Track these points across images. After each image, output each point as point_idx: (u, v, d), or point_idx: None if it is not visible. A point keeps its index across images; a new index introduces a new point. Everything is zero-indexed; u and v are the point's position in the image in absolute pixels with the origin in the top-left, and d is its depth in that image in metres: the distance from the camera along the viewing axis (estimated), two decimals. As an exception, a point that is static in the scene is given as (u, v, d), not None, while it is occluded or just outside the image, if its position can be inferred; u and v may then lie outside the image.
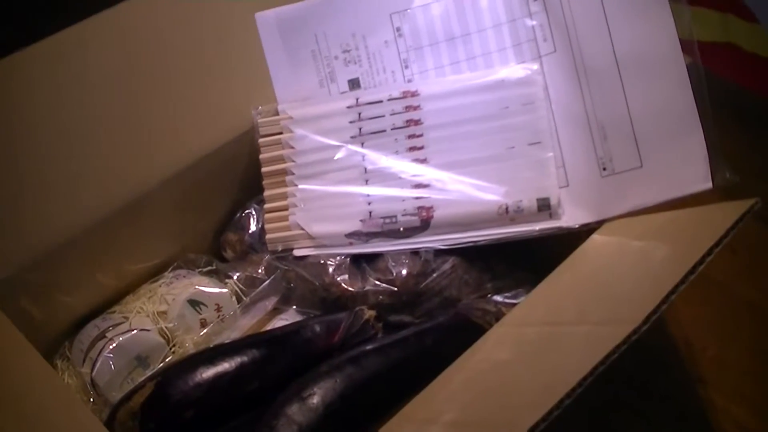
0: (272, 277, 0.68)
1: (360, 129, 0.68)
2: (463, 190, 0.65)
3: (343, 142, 0.68)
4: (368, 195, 0.67)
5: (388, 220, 0.66)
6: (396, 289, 0.64)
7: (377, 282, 0.65)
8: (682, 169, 0.61)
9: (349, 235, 0.67)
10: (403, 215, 0.66)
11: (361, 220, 0.66)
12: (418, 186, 0.66)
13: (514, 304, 0.66)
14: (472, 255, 0.66)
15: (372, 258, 0.67)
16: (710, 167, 0.60)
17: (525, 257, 0.67)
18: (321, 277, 0.65)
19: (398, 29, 0.69)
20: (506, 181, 0.65)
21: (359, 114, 0.68)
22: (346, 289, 0.65)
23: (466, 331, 0.61)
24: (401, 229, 0.66)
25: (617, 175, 0.63)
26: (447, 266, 0.66)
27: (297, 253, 0.68)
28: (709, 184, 0.60)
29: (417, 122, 0.67)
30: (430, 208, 0.65)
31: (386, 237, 0.66)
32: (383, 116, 0.68)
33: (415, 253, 0.66)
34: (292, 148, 0.69)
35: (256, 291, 0.68)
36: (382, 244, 0.66)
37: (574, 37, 0.64)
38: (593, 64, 0.63)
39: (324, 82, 0.70)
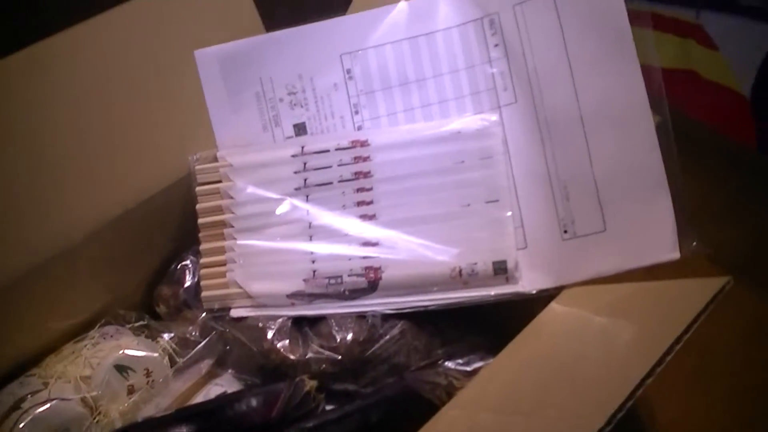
0: (208, 339, 0.65)
1: (305, 180, 0.65)
2: (414, 249, 0.63)
3: (286, 194, 0.66)
4: (312, 252, 0.64)
5: (333, 281, 0.63)
6: (340, 357, 0.62)
7: (320, 349, 0.62)
8: (648, 237, 0.59)
9: (291, 295, 0.64)
10: (349, 276, 0.63)
11: (304, 280, 0.64)
12: (366, 244, 0.64)
13: (467, 372, 0.64)
14: (421, 318, 0.64)
15: (315, 321, 0.64)
16: (678, 235, 0.57)
17: (477, 320, 0.65)
18: (259, 343, 0.63)
19: (348, 71, 0.66)
20: (461, 241, 0.62)
21: (304, 164, 0.66)
22: (287, 357, 0.62)
23: (414, 407, 0.60)
24: (347, 290, 0.63)
25: (579, 238, 0.61)
26: (395, 331, 0.63)
27: (234, 313, 0.65)
28: (676, 255, 0.59)
29: (366, 174, 0.64)
30: (378, 269, 0.63)
31: (331, 298, 0.64)
32: (330, 167, 0.65)
33: (361, 316, 0.64)
34: (232, 198, 0.66)
35: (190, 354, 0.65)
36: (327, 306, 0.64)
37: (537, 87, 0.62)
38: (556, 118, 0.61)
39: (268, 126, 0.68)
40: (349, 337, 0.63)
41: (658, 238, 0.59)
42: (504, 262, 0.62)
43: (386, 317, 0.64)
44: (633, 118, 0.60)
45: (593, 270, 0.60)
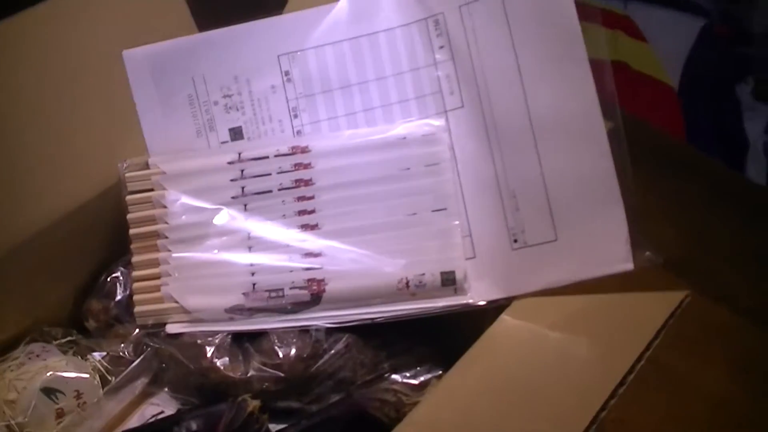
0: (142, 357, 0.62)
1: (243, 188, 0.63)
2: (359, 260, 0.61)
3: (223, 204, 0.63)
4: (252, 264, 0.62)
5: (274, 294, 0.61)
6: (283, 375, 0.60)
7: (262, 366, 0.60)
8: (600, 247, 0.59)
9: (230, 309, 0.62)
10: (291, 288, 0.61)
11: (243, 293, 0.61)
12: (309, 255, 0.61)
13: (415, 386, 0.63)
14: (367, 331, 0.62)
15: (255, 336, 0.62)
16: (631, 245, 0.57)
17: (424, 330, 0.64)
18: (197, 361, 0.60)
19: (287, 73, 0.63)
20: (407, 251, 0.61)
21: (242, 171, 0.63)
22: (227, 375, 0.60)
23: (362, 426, 0.58)
24: (289, 304, 0.61)
25: (530, 248, 0.60)
26: (340, 346, 0.61)
27: (170, 329, 0.62)
28: (630, 266, 0.58)
29: (307, 182, 0.62)
30: (321, 281, 0.61)
31: (272, 312, 0.62)
32: (269, 174, 0.63)
33: (304, 331, 0.62)
34: (165, 207, 0.63)
35: (124, 373, 0.62)
36: (268, 321, 0.62)
37: (485, 91, 0.60)
38: (505, 124, 0.60)
39: (202, 131, 0.64)
40: (293, 353, 0.61)
41: (611, 249, 0.58)
42: (452, 272, 0.60)
43: (330, 331, 0.62)
44: (584, 125, 0.59)
45: (544, 281, 0.59)
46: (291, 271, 0.61)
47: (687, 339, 0.68)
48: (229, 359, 0.61)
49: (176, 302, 0.62)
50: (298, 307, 0.62)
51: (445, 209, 0.61)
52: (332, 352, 0.62)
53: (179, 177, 0.64)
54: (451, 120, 0.62)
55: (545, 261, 0.60)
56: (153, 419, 0.62)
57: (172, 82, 0.64)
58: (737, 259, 0.88)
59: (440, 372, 0.64)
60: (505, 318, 0.58)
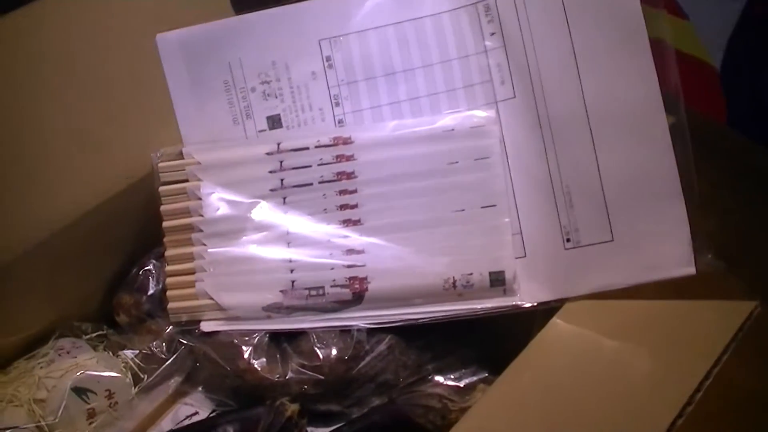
0: (175, 355, 0.60)
1: (282, 181, 0.60)
2: (403, 258, 0.59)
3: (260, 196, 0.60)
4: (291, 261, 0.59)
5: (314, 292, 0.59)
6: (323, 377, 0.57)
7: (301, 369, 0.57)
8: (660, 248, 0.56)
9: (268, 307, 0.59)
10: (332, 286, 0.58)
11: (281, 291, 0.59)
12: (351, 252, 0.59)
13: (460, 389, 0.61)
14: (409, 332, 0.60)
15: (294, 336, 0.60)
16: (693, 248, 0.54)
17: (469, 332, 0.62)
18: (234, 362, 0.58)
19: (328, 59, 0.60)
20: (454, 249, 0.58)
21: (281, 162, 0.60)
22: (265, 378, 0.58)
23: None
24: (330, 302, 0.58)
25: (583, 248, 0.57)
26: (383, 347, 0.59)
27: (205, 327, 0.60)
28: (692, 269, 0.55)
29: (350, 175, 0.59)
30: (364, 279, 0.58)
31: (311, 311, 0.59)
32: (310, 166, 0.60)
33: (345, 331, 0.59)
34: (199, 199, 0.61)
35: (157, 372, 0.60)
36: (307, 320, 0.59)
37: (538, 81, 0.57)
38: (559, 116, 0.57)
39: (239, 118, 0.62)
40: (333, 354, 0.58)
41: (672, 251, 0.56)
42: (501, 272, 0.57)
43: (372, 331, 0.60)
44: (644, 118, 0.56)
45: (598, 283, 0.57)
46: (332, 269, 0.59)
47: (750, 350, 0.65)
48: (267, 360, 0.59)
49: (211, 299, 0.60)
50: (340, 306, 0.59)
51: (494, 206, 0.58)
52: (374, 353, 0.59)
53: (215, 168, 0.61)
54: (501, 111, 0.59)
55: (600, 262, 0.57)
56: (187, 420, 0.60)
57: (208, 67, 0.62)
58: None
59: (486, 374, 0.62)
60: (557, 322, 0.56)
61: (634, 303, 0.54)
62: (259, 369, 0.58)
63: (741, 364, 0.50)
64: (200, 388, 0.62)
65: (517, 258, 0.58)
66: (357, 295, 0.58)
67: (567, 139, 0.57)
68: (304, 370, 0.58)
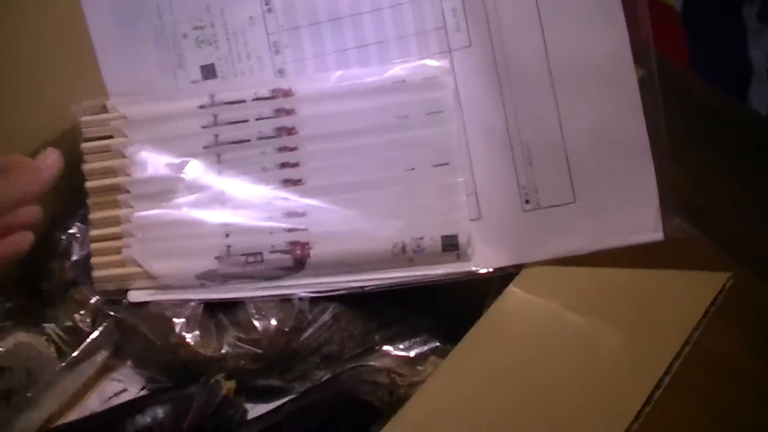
0: (101, 328, 0.55)
1: (216, 137, 0.55)
2: (349, 221, 0.54)
3: (193, 154, 0.55)
4: (226, 224, 0.55)
5: (251, 258, 0.54)
6: (262, 351, 0.53)
7: (238, 343, 0.53)
8: (625, 212, 0.52)
9: (201, 275, 0.55)
10: (271, 252, 0.54)
11: (216, 257, 0.54)
12: (291, 215, 0.54)
13: (410, 359, 0.57)
14: (356, 299, 0.56)
15: (230, 307, 0.56)
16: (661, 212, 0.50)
17: (420, 297, 0.58)
18: (165, 336, 0.54)
19: (267, 2, 0.55)
20: (404, 211, 0.54)
21: (215, 117, 0.55)
22: (198, 353, 0.54)
23: (353, 411, 0.53)
24: (269, 269, 0.54)
25: (543, 210, 0.53)
26: (327, 317, 0.55)
27: (133, 297, 0.55)
28: (659, 235, 0.52)
29: (291, 131, 0.54)
30: (306, 245, 0.53)
31: (249, 279, 0.54)
32: (247, 121, 0.55)
33: (286, 300, 0.55)
34: (126, 158, 0.55)
35: (82, 346, 0.55)
36: (245, 289, 0.55)
37: (496, 28, 0.53)
38: (519, 66, 0.53)
39: (169, 67, 0.56)
40: (273, 325, 0.54)
41: (638, 215, 0.52)
42: (455, 236, 0.53)
43: (315, 300, 0.56)
44: (612, 71, 0.52)
45: (559, 248, 0.53)
46: (271, 233, 0.54)
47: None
48: (201, 333, 0.54)
49: (140, 266, 0.55)
50: (280, 273, 0.55)
51: (447, 164, 0.54)
52: (317, 324, 0.55)
53: (143, 123, 0.56)
54: (456, 61, 0.54)
55: (561, 225, 0.53)
56: (115, 398, 0.55)
57: (134, 11, 0.56)
58: (740, 203, 0.80)
59: (437, 344, 0.58)
60: (513, 290, 0.52)
61: (597, 271, 0.51)
62: (193, 343, 0.54)
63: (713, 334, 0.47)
64: (129, 363, 0.58)
65: (471, 220, 0.54)
66: (298, 261, 0.54)
67: (527, 92, 0.53)
68: (241, 344, 0.54)
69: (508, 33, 0.53)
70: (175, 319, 0.54)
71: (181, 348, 0.54)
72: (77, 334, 0.57)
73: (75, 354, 0.56)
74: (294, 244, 0.54)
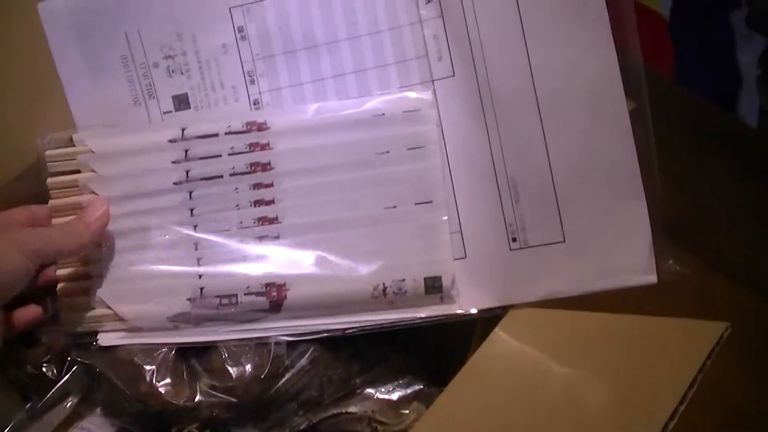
0: (69, 374, 0.54)
1: (187, 173, 0.52)
2: (326, 262, 0.52)
3: (163, 191, 0.53)
4: (198, 265, 0.52)
5: (225, 300, 0.51)
6: (236, 400, 0.51)
7: (212, 391, 0.51)
8: (618, 253, 0.50)
9: (174, 318, 0.52)
10: (246, 294, 0.51)
11: (189, 299, 0.52)
12: (267, 256, 0.51)
13: (393, 403, 0.55)
14: (335, 341, 0.53)
15: (203, 352, 0.53)
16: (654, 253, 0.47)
17: (402, 337, 0.55)
18: (134, 385, 0.51)
19: (240, 29, 0.52)
20: (384, 252, 0.52)
21: (186, 151, 0.52)
22: (170, 402, 0.51)
23: None
24: (244, 312, 0.51)
25: (531, 249, 0.51)
26: (305, 361, 0.53)
27: (103, 341, 0.53)
28: (652, 278, 0.49)
29: (265, 167, 0.52)
30: (282, 286, 0.51)
31: (224, 321, 0.52)
32: (219, 156, 0.52)
33: (262, 344, 0.53)
34: (93, 194, 0.52)
35: (49, 394, 0.54)
36: (219, 331, 0.53)
37: (480, 56, 0.50)
38: (504, 97, 0.50)
39: (140, 98, 0.54)
40: (248, 372, 0.52)
41: (630, 256, 0.50)
42: (438, 278, 0.51)
43: (293, 343, 0.53)
44: (601, 99, 0.49)
45: (547, 289, 0.51)
46: (246, 275, 0.52)
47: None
48: (172, 382, 0.52)
49: (109, 308, 0.52)
50: (256, 315, 0.52)
51: (430, 202, 0.52)
52: (295, 369, 0.53)
53: (110, 157, 0.53)
54: (438, 91, 0.52)
55: (549, 266, 0.51)
56: None
57: (101, 39, 0.53)
58: (731, 218, 0.77)
59: (421, 386, 0.56)
60: (499, 335, 0.49)
61: (587, 315, 0.48)
62: (164, 392, 0.51)
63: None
64: (99, 411, 0.55)
65: (456, 259, 0.52)
66: (274, 303, 0.51)
67: (513, 125, 0.50)
68: (214, 392, 0.51)
69: (493, 62, 0.50)
70: (145, 366, 0.52)
71: (152, 398, 0.51)
72: (45, 380, 0.54)
73: (43, 401, 0.54)
74: (270, 285, 0.51)
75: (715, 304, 0.60)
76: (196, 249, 0.53)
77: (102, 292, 0.53)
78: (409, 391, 0.55)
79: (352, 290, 0.51)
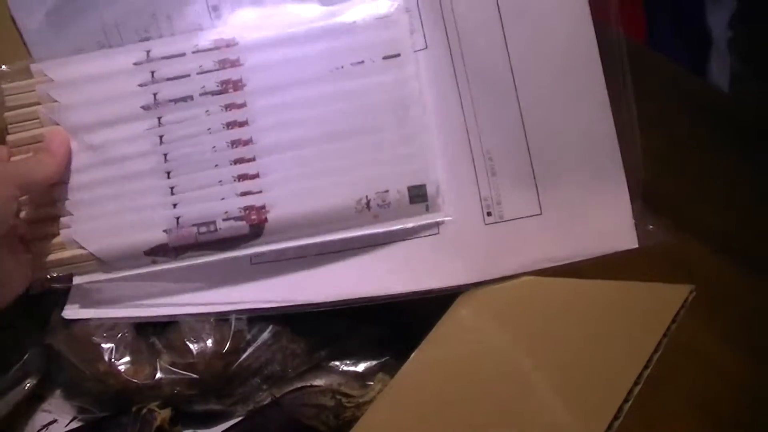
0: (28, 354, 0.52)
1: (155, 96, 0.50)
2: (306, 180, 0.51)
3: (130, 117, 0.51)
4: (173, 193, 0.50)
5: (203, 228, 0.49)
6: (198, 377, 0.50)
7: (172, 368, 0.50)
8: (596, 221, 0.49)
9: (151, 251, 0.50)
10: (224, 220, 0.49)
11: (165, 231, 0.49)
12: (244, 177, 0.50)
13: (358, 375, 0.54)
14: (298, 317, 0.51)
15: (163, 327, 0.51)
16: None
17: (368, 311, 0.53)
18: (93, 364, 0.49)
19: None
20: (365, 164, 0.50)
21: (152, 73, 0.50)
22: (130, 381, 0.49)
23: None
24: (224, 238, 0.49)
25: (506, 223, 0.50)
26: (266, 335, 0.52)
27: (78, 280, 0.51)
28: (633, 243, 0.49)
29: (237, 84, 0.50)
30: (262, 209, 0.49)
31: (204, 250, 0.49)
32: (188, 76, 0.50)
33: (223, 320, 0.51)
34: (57, 125, 0.50)
35: (7, 374, 0.52)
36: (202, 258, 0.50)
37: (453, 29, 0.50)
38: (479, 70, 0.50)
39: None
40: (209, 348, 0.50)
41: (610, 223, 0.49)
42: (422, 187, 0.50)
43: (254, 319, 0.51)
44: (578, 70, 0.48)
45: (523, 262, 0.49)
46: (223, 199, 0.50)
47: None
48: (132, 360, 0.50)
49: (82, 248, 0.50)
50: (236, 243, 0.50)
51: (408, 111, 0.49)
52: (257, 343, 0.51)
53: (72, 84, 0.51)
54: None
55: (526, 239, 0.50)
56: (43, 430, 0.52)
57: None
58: (704, 185, 0.77)
59: (386, 358, 0.54)
60: (461, 304, 0.49)
61: (549, 282, 0.48)
62: (123, 371, 0.50)
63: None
64: (59, 392, 0.53)
65: (428, 236, 0.50)
66: (255, 227, 0.49)
67: (488, 97, 0.49)
68: (175, 369, 0.50)
69: (467, 33, 0.49)
70: (103, 345, 0.50)
71: (111, 377, 0.50)
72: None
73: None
74: (249, 209, 0.50)
75: (691, 271, 0.59)
76: (169, 177, 0.50)
77: (73, 232, 0.50)
78: (374, 362, 0.54)
79: (335, 206, 0.50)
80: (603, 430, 0.33)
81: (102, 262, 0.50)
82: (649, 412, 0.50)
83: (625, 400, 0.35)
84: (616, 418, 0.34)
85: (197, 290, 0.50)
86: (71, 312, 0.50)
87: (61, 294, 0.51)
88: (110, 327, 0.50)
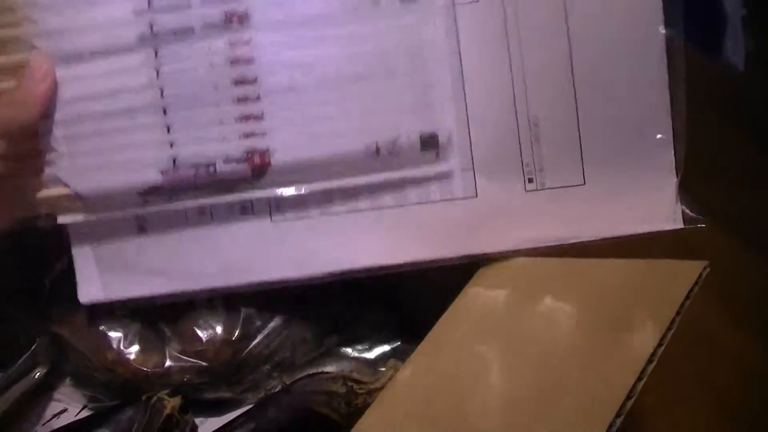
0: (35, 345, 0.52)
1: (151, 26, 0.47)
2: (313, 123, 0.48)
3: (124, 48, 0.47)
4: (169, 132, 0.47)
5: (202, 170, 0.47)
6: (207, 364, 0.50)
7: (182, 356, 0.50)
8: (641, 197, 0.48)
9: (145, 191, 0.47)
10: (225, 162, 0.47)
11: (161, 171, 0.46)
12: (247, 118, 0.47)
13: (370, 362, 0.53)
14: (307, 302, 0.52)
15: (173, 317, 0.51)
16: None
17: (379, 294, 0.54)
18: (101, 353, 0.50)
19: None
20: (377, 109, 0.48)
21: (149, 1, 0.46)
22: (139, 369, 0.50)
23: (309, 425, 0.49)
24: (223, 181, 0.46)
25: (547, 191, 0.49)
26: (276, 322, 0.52)
27: (62, 220, 0.48)
28: (678, 224, 0.48)
29: (242, 17, 0.47)
30: (265, 152, 0.47)
31: (201, 191, 0.47)
32: (188, 6, 0.46)
33: (233, 308, 0.51)
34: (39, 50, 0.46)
35: (16, 365, 0.51)
36: (197, 199, 0.48)
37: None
38: (533, 31, 0.48)
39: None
40: (218, 335, 0.51)
41: (655, 201, 0.48)
42: (434, 135, 0.48)
43: (263, 306, 0.52)
44: (640, 40, 0.47)
45: (563, 233, 0.49)
46: (223, 139, 0.47)
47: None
48: (141, 348, 0.51)
49: (68, 187, 0.46)
50: (236, 185, 0.47)
51: (424, 58, 0.47)
52: (266, 330, 0.52)
53: (59, 5, 0.46)
54: (459, 17, 0.48)
55: (567, 209, 0.48)
56: (54, 420, 0.52)
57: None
58: (714, 165, 0.77)
59: (398, 343, 0.54)
60: (474, 286, 0.48)
61: (562, 261, 0.47)
62: (132, 359, 0.50)
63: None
64: (69, 380, 0.54)
65: (465, 198, 0.49)
66: (258, 169, 0.47)
67: (540, 60, 0.47)
68: (185, 357, 0.50)
69: None
70: (111, 334, 0.50)
71: (120, 366, 0.50)
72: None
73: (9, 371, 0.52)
74: (251, 152, 0.47)
75: (702, 253, 0.60)
76: (165, 114, 0.47)
77: (57, 169, 0.47)
78: (386, 348, 0.54)
79: (342, 150, 0.48)
80: (617, 409, 0.33)
81: (89, 202, 0.48)
82: (663, 396, 0.50)
83: (639, 378, 0.34)
84: (629, 397, 0.34)
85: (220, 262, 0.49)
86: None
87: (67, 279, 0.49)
88: (118, 316, 0.50)
